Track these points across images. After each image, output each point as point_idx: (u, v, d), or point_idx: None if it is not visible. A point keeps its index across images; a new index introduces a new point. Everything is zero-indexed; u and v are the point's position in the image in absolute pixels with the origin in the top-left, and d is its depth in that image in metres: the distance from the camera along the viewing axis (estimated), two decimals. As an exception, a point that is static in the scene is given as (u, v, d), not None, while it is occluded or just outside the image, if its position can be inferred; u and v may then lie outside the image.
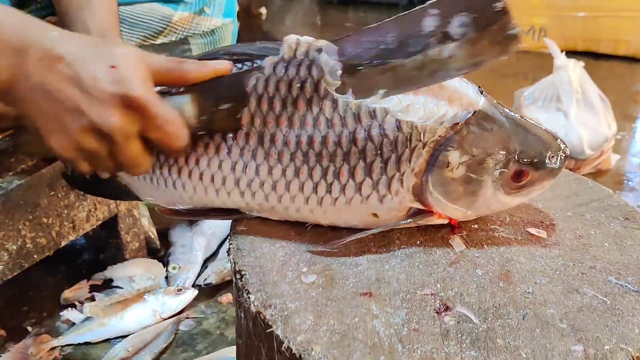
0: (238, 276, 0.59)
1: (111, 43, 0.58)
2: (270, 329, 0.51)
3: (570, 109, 1.62)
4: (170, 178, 0.66)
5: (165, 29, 0.93)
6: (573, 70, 1.67)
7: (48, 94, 0.55)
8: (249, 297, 0.55)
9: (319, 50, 0.59)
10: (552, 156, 0.61)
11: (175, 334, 1.07)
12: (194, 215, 0.68)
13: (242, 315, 0.59)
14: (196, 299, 1.14)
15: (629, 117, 2.21)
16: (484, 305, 0.53)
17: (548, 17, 2.97)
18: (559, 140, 0.62)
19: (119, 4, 0.89)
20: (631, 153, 1.94)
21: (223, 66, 0.60)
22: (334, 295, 0.55)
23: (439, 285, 0.56)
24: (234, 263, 0.61)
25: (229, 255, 0.63)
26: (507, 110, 0.62)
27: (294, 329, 0.51)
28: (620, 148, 1.91)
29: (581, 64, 1.71)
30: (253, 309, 0.54)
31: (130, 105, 0.55)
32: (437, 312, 0.53)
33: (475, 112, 0.59)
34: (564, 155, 0.62)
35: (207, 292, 1.18)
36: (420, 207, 0.61)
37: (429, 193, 0.60)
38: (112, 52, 0.56)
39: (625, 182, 1.75)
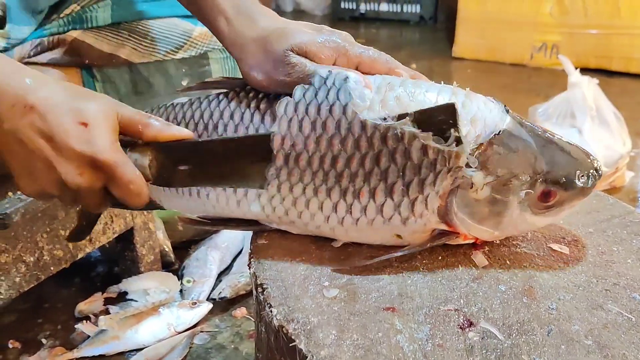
0: (260, 289, 0.59)
1: (84, 94, 0.59)
2: (294, 343, 0.51)
3: (585, 125, 1.62)
4: (195, 187, 0.67)
5: (185, 43, 0.94)
6: (587, 87, 1.66)
7: (20, 141, 0.57)
8: (271, 311, 0.55)
9: (346, 79, 0.60)
10: (582, 175, 0.60)
11: (190, 347, 1.07)
12: (215, 224, 0.69)
13: (263, 329, 0.59)
14: (210, 313, 1.14)
15: (643, 134, 2.20)
16: (508, 321, 0.53)
17: (560, 34, 2.98)
18: (591, 157, 0.61)
19: (139, 19, 0.91)
20: (645, 170, 1.93)
21: (184, 133, 0.62)
22: (357, 310, 0.54)
23: (462, 301, 0.55)
24: (255, 276, 0.61)
25: (249, 268, 0.63)
26: (536, 128, 0.61)
27: (317, 344, 0.50)
28: (634, 165, 1.90)
29: (595, 80, 1.70)
30: (275, 322, 0.54)
31: (97, 165, 0.57)
32: (460, 328, 0.52)
33: (500, 132, 0.58)
34: (595, 173, 0.61)
35: (222, 305, 1.17)
36: (446, 228, 0.61)
37: (454, 214, 0.59)
38: (84, 107, 0.57)
39: (639, 199, 1.74)
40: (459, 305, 0.55)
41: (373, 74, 0.63)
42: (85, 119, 0.56)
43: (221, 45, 0.96)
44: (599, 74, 2.36)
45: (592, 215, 0.70)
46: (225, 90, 0.68)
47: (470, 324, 0.53)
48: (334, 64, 0.64)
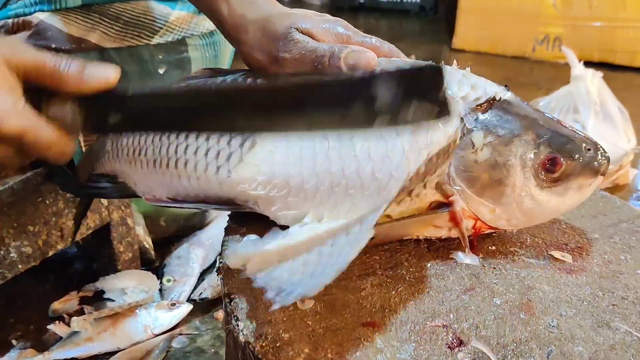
0: (227, 300, 0.53)
1: None
2: (260, 362, 0.45)
3: (588, 121, 1.56)
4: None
5: (161, 28, 0.87)
6: (591, 81, 1.60)
7: None
8: (237, 325, 0.49)
9: None
10: (589, 149, 0.55)
11: (167, 351, 1.01)
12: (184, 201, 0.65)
13: (232, 343, 0.53)
14: (191, 314, 1.08)
15: (648, 130, 2.14)
16: (503, 340, 0.47)
17: (563, 26, 2.91)
18: (597, 142, 0.57)
19: (112, 2, 0.84)
20: (650, 167, 1.87)
21: (109, 78, 0.53)
22: (333, 325, 0.49)
23: (452, 316, 0.50)
24: (224, 285, 0.55)
25: (218, 275, 0.57)
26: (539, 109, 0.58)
27: (287, 364, 0.45)
28: (638, 162, 1.84)
29: (599, 74, 1.64)
30: (242, 338, 0.48)
31: (2, 139, 0.50)
32: (449, 347, 0.46)
33: (500, 98, 0.56)
34: (603, 152, 0.56)
35: (203, 307, 1.11)
36: (443, 200, 0.56)
37: (451, 181, 0.55)
38: None
39: (643, 196, 1.68)
40: (448, 321, 0.49)
41: None
42: None
43: (200, 30, 0.91)
44: (603, 68, 2.29)
45: (597, 219, 0.64)
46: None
47: (460, 343, 0.47)
48: None
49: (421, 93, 0.45)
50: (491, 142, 0.54)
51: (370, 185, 0.55)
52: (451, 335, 0.48)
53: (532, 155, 0.54)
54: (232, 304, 0.52)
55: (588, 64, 1.76)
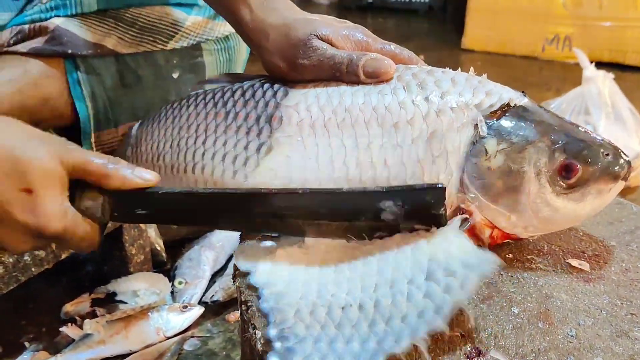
0: (244, 307, 0.53)
1: (26, 143, 0.53)
2: (278, 372, 0.45)
3: (600, 122, 1.55)
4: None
5: (177, 33, 0.87)
6: (603, 83, 1.59)
7: None
8: (255, 334, 0.49)
9: None
10: (607, 154, 0.54)
11: (179, 354, 1.01)
12: None
13: (248, 351, 0.53)
14: (202, 317, 1.08)
15: (658, 131, 2.12)
16: (522, 350, 0.47)
17: (573, 26, 2.89)
18: (617, 146, 0.56)
19: (127, 7, 0.84)
20: (661, 169, 1.86)
21: (149, 180, 0.56)
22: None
23: (470, 325, 0.49)
24: (240, 292, 0.55)
25: (234, 281, 0.57)
26: (556, 114, 0.57)
27: (305, 374, 0.45)
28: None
29: (611, 75, 1.63)
30: (259, 347, 0.48)
31: (44, 235, 0.53)
32: (468, 358, 0.46)
33: (515, 104, 0.56)
34: (624, 155, 0.55)
35: (214, 309, 1.12)
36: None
37: (465, 188, 0.54)
38: (27, 168, 0.51)
39: (655, 199, 1.67)
40: (467, 330, 0.49)
41: None
42: (28, 184, 0.51)
43: (215, 35, 0.91)
44: (613, 68, 2.28)
45: (614, 226, 0.64)
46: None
47: (479, 353, 0.47)
48: None
49: (422, 211, 0.51)
50: (504, 149, 0.54)
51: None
52: (469, 344, 0.47)
53: (546, 162, 0.54)
54: (249, 311, 0.51)
55: (598, 63, 1.75)
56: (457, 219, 0.53)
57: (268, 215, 0.55)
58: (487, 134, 0.54)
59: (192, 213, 0.57)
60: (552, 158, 0.54)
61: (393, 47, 0.62)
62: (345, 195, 0.53)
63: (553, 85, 2.49)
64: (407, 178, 0.55)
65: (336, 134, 0.57)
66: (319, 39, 0.60)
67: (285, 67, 0.62)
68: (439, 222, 0.51)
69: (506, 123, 0.55)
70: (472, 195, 0.55)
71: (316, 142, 0.58)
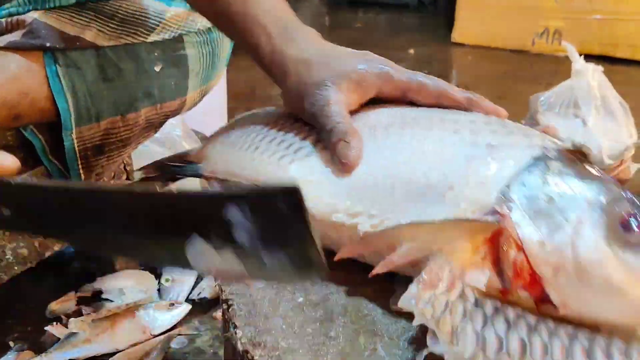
0: (225, 306, 0.52)
1: None
2: (259, 372, 0.44)
3: (589, 116, 1.53)
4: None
5: (158, 25, 0.86)
6: (592, 76, 1.58)
7: None
8: (235, 332, 0.48)
9: None
10: None
11: (166, 352, 1.00)
12: None
13: (231, 351, 0.52)
14: (189, 314, 1.07)
15: (648, 124, 2.13)
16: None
17: (563, 19, 2.89)
18: None
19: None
20: (651, 162, 1.86)
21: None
22: (334, 333, 0.48)
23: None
24: (221, 289, 0.54)
25: (215, 280, 0.56)
26: None
27: (286, 373, 0.44)
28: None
29: (600, 68, 1.62)
30: (240, 346, 0.47)
31: None
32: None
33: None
34: None
35: (202, 306, 1.10)
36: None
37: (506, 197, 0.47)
38: None
39: (645, 192, 1.67)
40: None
41: (422, 102, 0.60)
42: None
43: (197, 27, 0.90)
44: (603, 62, 2.27)
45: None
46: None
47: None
48: (379, 92, 0.60)
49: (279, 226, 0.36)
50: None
51: (419, 184, 0.51)
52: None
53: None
54: (230, 310, 0.51)
55: (588, 57, 1.73)
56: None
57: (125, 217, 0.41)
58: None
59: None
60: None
61: (420, 77, 0.60)
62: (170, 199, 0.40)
63: (544, 79, 2.48)
64: (446, 171, 0.51)
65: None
66: (330, 88, 0.58)
67: (297, 109, 0.62)
68: (302, 245, 0.36)
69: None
70: (512, 204, 0.46)
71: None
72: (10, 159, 0.50)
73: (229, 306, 0.51)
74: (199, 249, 0.38)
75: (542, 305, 0.44)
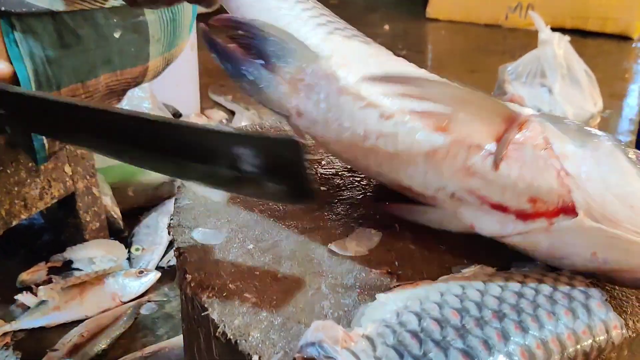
0: (177, 254, 0.53)
1: None
2: (206, 312, 0.46)
3: (555, 84, 1.57)
4: None
5: (115, -9, 0.86)
6: (558, 45, 1.61)
7: None
8: (185, 278, 0.50)
9: None
10: None
11: (136, 317, 1.02)
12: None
13: (183, 298, 0.54)
14: (159, 282, 1.09)
15: (617, 95, 2.16)
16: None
17: (535, -7, 2.91)
18: None
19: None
20: (619, 132, 1.90)
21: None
22: (281, 274, 0.49)
23: (397, 263, 0.51)
24: (175, 240, 0.55)
25: (169, 233, 0.57)
26: None
27: (232, 313, 0.45)
28: (608, 126, 1.86)
29: (567, 38, 1.65)
30: (189, 290, 0.49)
31: None
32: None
33: None
34: None
35: (171, 274, 1.12)
36: None
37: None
38: None
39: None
40: (394, 268, 0.50)
41: None
42: None
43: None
44: (575, 35, 2.30)
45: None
46: None
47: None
48: None
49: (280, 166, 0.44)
50: None
51: None
52: (395, 280, 0.49)
53: None
54: (181, 258, 0.52)
55: (561, 30, 1.76)
56: None
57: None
58: None
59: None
60: None
61: None
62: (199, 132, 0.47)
63: (516, 52, 2.48)
64: None
65: None
66: None
67: None
68: (299, 181, 0.44)
69: None
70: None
71: None
72: (2, 65, 0.51)
73: (180, 254, 0.52)
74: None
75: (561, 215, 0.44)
